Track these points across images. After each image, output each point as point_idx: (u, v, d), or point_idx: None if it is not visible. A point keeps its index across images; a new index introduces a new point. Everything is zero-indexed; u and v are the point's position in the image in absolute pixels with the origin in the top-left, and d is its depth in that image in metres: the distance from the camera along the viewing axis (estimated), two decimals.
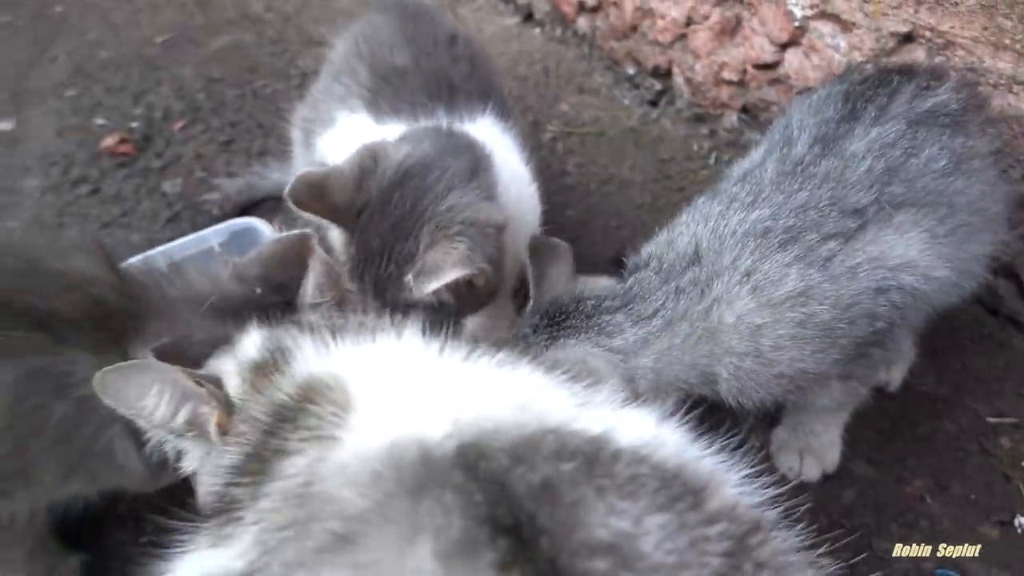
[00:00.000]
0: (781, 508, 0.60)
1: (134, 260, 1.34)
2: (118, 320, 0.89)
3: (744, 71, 1.70)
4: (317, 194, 1.06)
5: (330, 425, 0.55)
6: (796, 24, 1.54)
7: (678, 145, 1.84)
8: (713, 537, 0.44)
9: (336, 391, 0.59)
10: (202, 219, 1.73)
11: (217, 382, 0.71)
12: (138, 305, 0.91)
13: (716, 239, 0.99)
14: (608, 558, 0.41)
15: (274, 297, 0.92)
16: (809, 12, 1.51)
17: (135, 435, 0.91)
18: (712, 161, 1.78)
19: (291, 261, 0.92)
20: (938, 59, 1.33)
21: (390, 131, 1.22)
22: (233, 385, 0.71)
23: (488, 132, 1.22)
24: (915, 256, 0.95)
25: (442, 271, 0.96)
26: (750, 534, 0.47)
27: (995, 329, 1.33)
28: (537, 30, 2.34)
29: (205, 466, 0.77)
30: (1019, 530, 1.07)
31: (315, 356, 0.66)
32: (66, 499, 1.00)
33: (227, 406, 0.70)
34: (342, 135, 1.32)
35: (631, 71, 2.03)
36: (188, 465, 0.80)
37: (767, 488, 0.58)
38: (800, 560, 0.49)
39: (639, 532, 0.43)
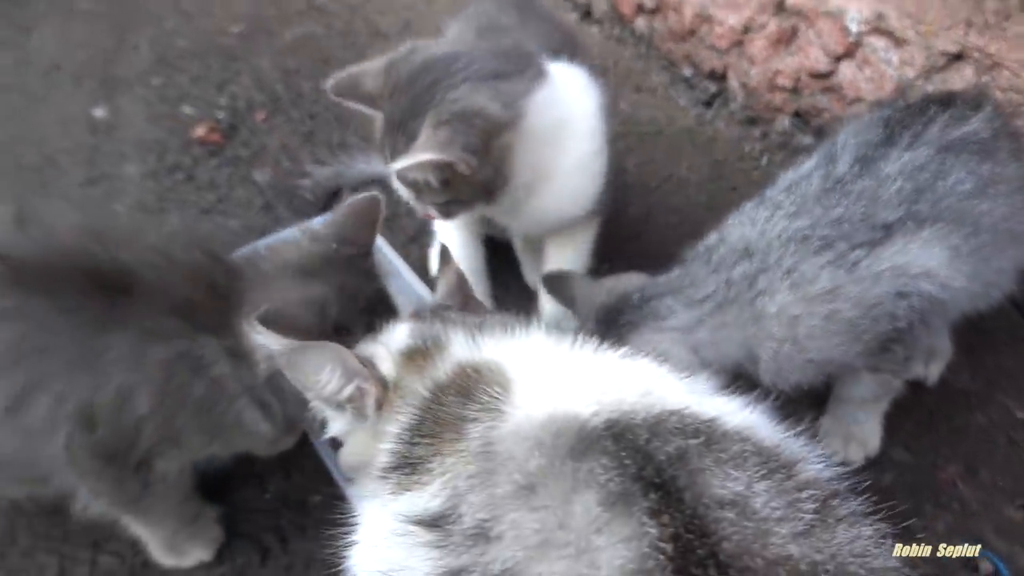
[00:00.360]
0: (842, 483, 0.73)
1: (245, 250, 1.50)
2: (231, 303, 1.04)
3: (798, 79, 1.81)
4: (353, 84, 1.20)
5: (497, 401, 0.70)
6: (851, 39, 1.65)
7: (731, 146, 1.96)
8: (804, 499, 0.59)
9: (496, 374, 0.74)
10: (298, 203, 1.88)
11: (372, 364, 0.86)
12: (241, 285, 1.05)
13: (763, 241, 1.14)
14: (732, 510, 0.56)
15: (349, 250, 1.07)
16: (864, 28, 1.61)
17: (262, 407, 1.06)
18: (764, 163, 1.90)
19: (362, 219, 1.07)
20: (984, 78, 1.43)
21: None
22: (385, 367, 0.86)
23: (566, 70, 1.25)
24: (935, 267, 1.08)
25: (416, 153, 1.05)
26: (831, 498, 0.61)
27: (1016, 321, 1.45)
28: (595, 28, 2.45)
29: (353, 434, 0.92)
30: None
31: (466, 346, 0.81)
32: (206, 459, 1.17)
33: (383, 385, 0.86)
34: None
35: (687, 72, 2.14)
36: (332, 431, 0.96)
37: (833, 467, 0.72)
38: (866, 519, 0.63)
39: (750, 494, 0.57)
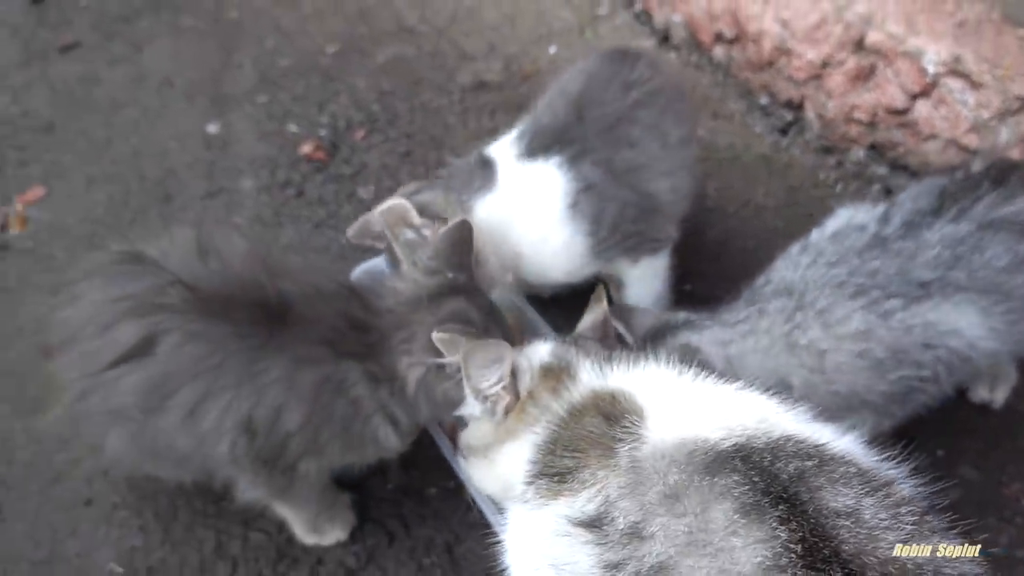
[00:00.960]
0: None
1: (363, 267, 1.68)
2: (369, 333, 1.20)
3: (875, 113, 1.91)
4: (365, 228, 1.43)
5: (635, 426, 0.85)
6: (928, 79, 1.75)
7: (807, 173, 2.07)
8: (904, 513, 0.72)
9: (629, 402, 0.89)
10: None
11: (516, 376, 1.02)
12: (378, 318, 1.21)
13: (803, 283, 1.27)
14: (848, 520, 0.69)
15: (461, 276, 1.22)
16: (941, 69, 1.71)
17: (393, 423, 1.22)
18: (838, 190, 2.00)
19: (460, 245, 1.23)
20: None
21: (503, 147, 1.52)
22: (524, 380, 1.02)
23: (538, 173, 1.44)
24: (964, 327, 1.21)
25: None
26: (926, 513, 0.74)
27: None
28: (673, 54, 2.58)
29: (480, 421, 1.09)
30: None
31: (594, 374, 0.96)
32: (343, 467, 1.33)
33: (516, 397, 1.02)
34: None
35: (764, 101, 2.26)
36: (466, 411, 1.13)
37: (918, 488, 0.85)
38: (951, 533, 0.76)
39: (859, 507, 0.71)
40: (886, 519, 0.70)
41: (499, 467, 1.05)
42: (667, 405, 0.87)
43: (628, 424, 0.85)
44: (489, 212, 1.40)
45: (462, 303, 1.17)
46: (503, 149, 1.50)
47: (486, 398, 1.03)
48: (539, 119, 1.53)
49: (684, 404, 0.88)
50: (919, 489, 0.82)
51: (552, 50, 2.72)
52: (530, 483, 0.91)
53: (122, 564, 1.39)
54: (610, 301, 1.27)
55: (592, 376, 0.97)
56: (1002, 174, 1.35)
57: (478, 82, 2.61)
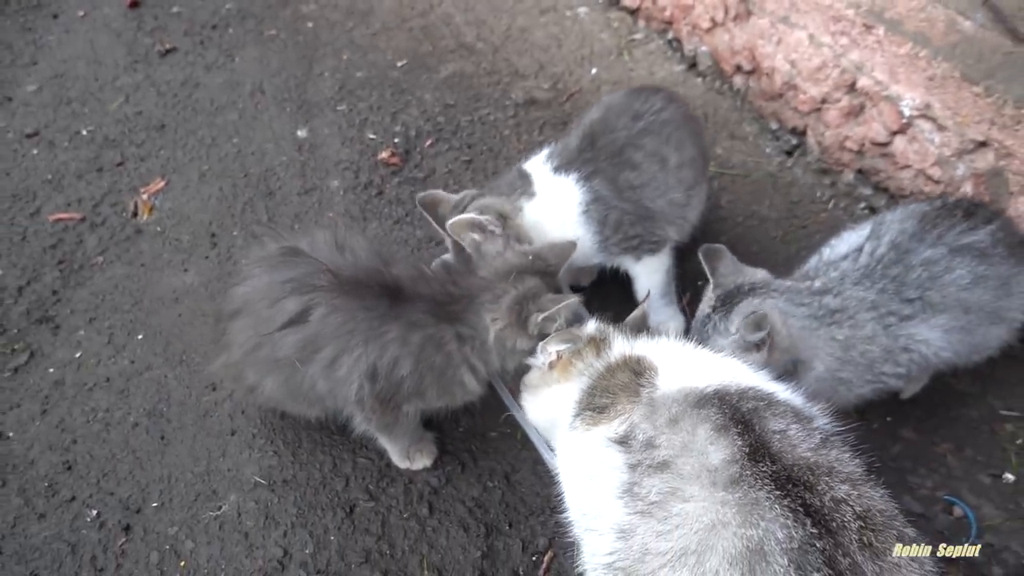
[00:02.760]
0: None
1: (440, 259, 2.11)
2: (459, 302, 1.62)
3: (863, 144, 2.30)
4: (432, 205, 1.82)
5: (652, 378, 1.27)
6: (904, 120, 2.13)
7: (806, 191, 2.46)
8: (816, 434, 1.13)
9: (647, 363, 1.31)
10: None
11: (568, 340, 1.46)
12: (468, 289, 1.63)
13: (840, 300, 1.64)
14: (779, 435, 1.10)
15: (541, 264, 1.63)
16: (915, 113, 2.10)
17: (474, 371, 1.65)
18: (831, 206, 2.39)
19: (559, 253, 1.65)
20: (1001, 163, 1.91)
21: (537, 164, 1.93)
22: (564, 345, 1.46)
23: (562, 185, 1.84)
24: (932, 338, 1.59)
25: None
26: (829, 436, 1.15)
27: (1020, 350, 1.93)
28: (699, 79, 2.97)
29: (535, 370, 1.51)
30: (1004, 481, 1.70)
31: (624, 344, 1.39)
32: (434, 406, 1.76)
33: (559, 358, 1.46)
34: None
35: (774, 126, 2.65)
36: (531, 361, 1.55)
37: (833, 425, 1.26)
38: (848, 450, 1.17)
39: (787, 429, 1.12)
40: (803, 437, 1.11)
41: (543, 401, 1.48)
42: (673, 365, 1.29)
43: (648, 376, 1.27)
44: (532, 213, 1.82)
45: (538, 283, 1.58)
46: (538, 164, 1.91)
47: (546, 357, 1.47)
48: (567, 142, 1.93)
49: (683, 365, 1.30)
50: (832, 425, 1.23)
51: (593, 71, 3.12)
52: (577, 414, 1.34)
53: (263, 478, 1.85)
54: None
55: (623, 345, 1.40)
56: (972, 208, 1.73)
57: (529, 99, 3.02)
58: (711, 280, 1.72)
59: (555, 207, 1.83)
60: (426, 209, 1.85)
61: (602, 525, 1.19)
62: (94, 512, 1.82)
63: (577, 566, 1.29)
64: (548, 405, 1.49)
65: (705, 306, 1.73)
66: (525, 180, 1.85)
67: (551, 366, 1.48)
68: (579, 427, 1.33)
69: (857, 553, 0.95)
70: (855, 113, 2.28)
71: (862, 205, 2.34)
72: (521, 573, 1.65)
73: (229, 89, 3.37)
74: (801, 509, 0.99)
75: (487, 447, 1.89)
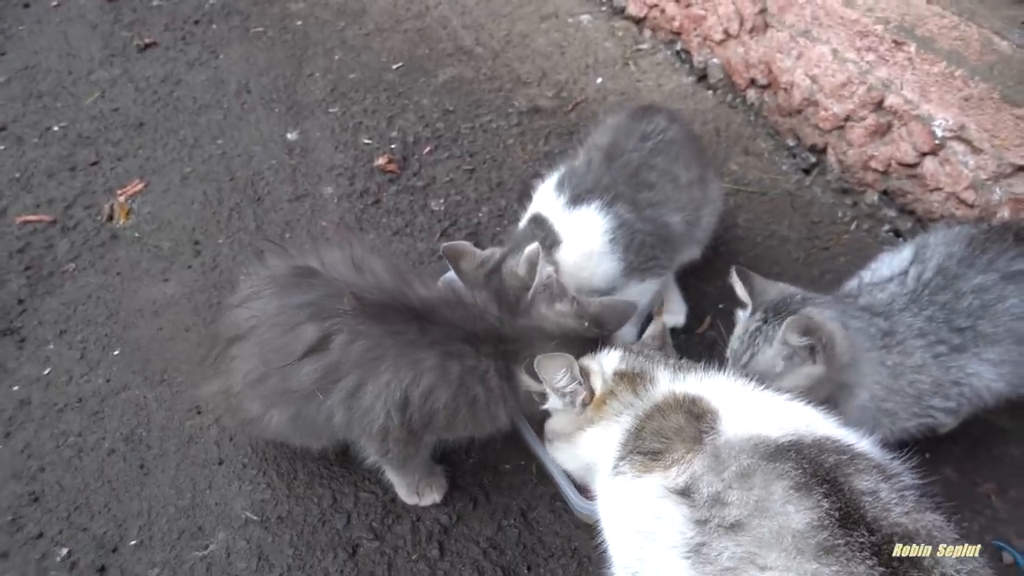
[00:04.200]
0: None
1: (445, 277, 1.97)
2: (505, 342, 1.48)
3: (889, 164, 2.21)
4: (456, 256, 1.69)
5: (712, 422, 1.14)
6: (936, 141, 2.05)
7: (826, 210, 2.37)
8: (908, 495, 1.01)
9: (703, 404, 1.18)
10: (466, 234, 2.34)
11: (588, 376, 1.31)
12: (520, 336, 1.49)
13: (889, 323, 1.53)
14: (870, 497, 0.98)
15: (595, 331, 1.50)
16: (948, 134, 2.01)
17: (507, 406, 1.51)
18: (853, 228, 2.30)
19: (616, 316, 1.51)
20: None
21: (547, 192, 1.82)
22: (596, 381, 1.31)
23: (582, 217, 1.73)
24: (984, 371, 1.49)
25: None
26: (922, 496, 1.04)
27: None
28: (710, 92, 2.87)
29: (561, 413, 1.36)
30: None
31: (672, 379, 1.26)
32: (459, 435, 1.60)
33: (591, 392, 1.31)
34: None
35: (791, 142, 2.56)
36: (550, 406, 1.40)
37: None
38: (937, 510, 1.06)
39: (877, 489, 1.00)
40: (895, 498, 1.00)
41: (581, 448, 1.34)
42: (736, 408, 1.17)
43: (709, 420, 1.14)
44: (564, 259, 1.71)
45: (577, 352, 1.42)
46: (550, 202, 1.79)
47: (564, 395, 1.32)
48: (578, 170, 1.81)
49: (748, 409, 1.17)
50: (917, 480, 1.11)
51: (599, 81, 3.01)
52: (623, 457, 1.20)
53: (255, 513, 1.68)
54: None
55: (670, 381, 1.27)
56: (1021, 230, 1.64)
57: (533, 107, 2.90)
58: (749, 298, 1.59)
59: (582, 245, 1.72)
60: (449, 260, 1.70)
61: None
62: (64, 551, 1.64)
63: None
64: (583, 451, 1.34)
65: (747, 324, 1.59)
66: (544, 227, 1.72)
67: (584, 404, 1.34)
68: (627, 472, 1.19)
69: None
70: (882, 132, 2.19)
71: (886, 227, 2.25)
72: None
73: (213, 87, 3.20)
74: None
75: (501, 481, 1.74)
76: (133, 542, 1.65)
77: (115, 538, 1.66)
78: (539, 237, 1.71)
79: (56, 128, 3.00)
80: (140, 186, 2.68)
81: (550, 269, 1.61)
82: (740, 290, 1.59)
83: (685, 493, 1.08)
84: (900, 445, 1.66)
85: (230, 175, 2.69)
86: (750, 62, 2.63)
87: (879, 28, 2.13)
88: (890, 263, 1.68)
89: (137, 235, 2.47)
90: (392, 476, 1.65)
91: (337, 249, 1.55)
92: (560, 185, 1.80)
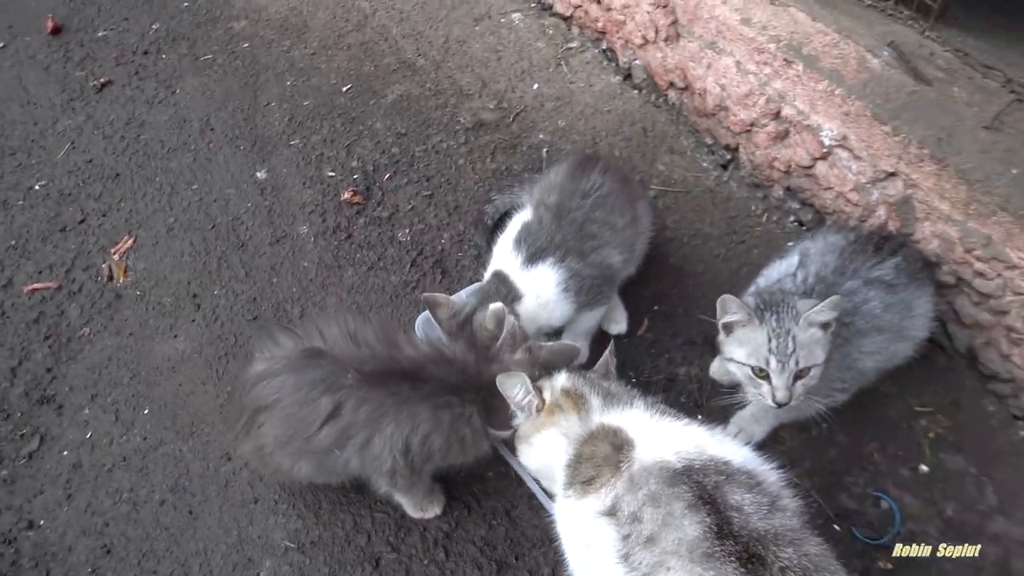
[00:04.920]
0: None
1: (422, 317, 2.30)
2: (482, 388, 1.83)
3: (789, 165, 2.54)
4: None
5: (628, 451, 1.52)
6: (824, 148, 2.38)
7: (742, 204, 2.71)
8: (764, 501, 1.40)
9: (622, 435, 1.56)
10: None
11: (539, 389, 1.69)
12: (490, 380, 1.84)
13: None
14: (736, 511, 1.37)
15: (545, 373, 1.87)
16: (833, 143, 2.35)
17: (486, 436, 1.88)
18: (764, 220, 2.65)
19: (564, 359, 1.88)
20: (908, 191, 2.18)
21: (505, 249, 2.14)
22: (546, 393, 1.69)
23: (538, 275, 2.06)
24: (862, 357, 1.88)
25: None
26: (776, 499, 1.42)
27: (929, 351, 2.26)
28: (636, 92, 3.14)
29: (525, 421, 1.74)
30: (920, 472, 2.05)
31: (601, 410, 1.64)
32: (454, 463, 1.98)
33: (542, 400, 1.69)
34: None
35: (709, 141, 2.87)
36: (517, 419, 1.78)
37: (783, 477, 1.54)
38: (794, 508, 1.45)
39: (743, 502, 1.39)
40: (756, 507, 1.39)
41: (537, 447, 1.71)
42: (645, 437, 1.54)
43: (626, 450, 1.52)
44: (524, 310, 2.05)
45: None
46: (508, 261, 2.11)
47: (523, 404, 1.70)
48: (531, 228, 2.12)
49: (654, 438, 1.54)
50: (781, 480, 1.51)
51: (535, 87, 3.26)
52: (569, 485, 1.59)
53: (292, 541, 2.07)
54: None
55: (600, 412, 1.64)
56: (880, 242, 2.00)
57: (477, 122, 3.15)
58: (744, 312, 1.81)
59: (539, 296, 2.05)
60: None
61: None
62: None
63: None
64: (541, 451, 1.72)
65: (767, 331, 1.78)
66: (506, 284, 2.05)
67: (538, 410, 1.72)
68: (572, 496, 1.58)
69: None
70: (781, 137, 2.51)
71: (791, 219, 2.61)
72: None
73: (176, 128, 3.40)
74: None
75: (487, 488, 2.14)
76: None
77: None
78: (502, 293, 2.05)
79: (37, 187, 3.21)
80: (130, 242, 2.93)
81: (512, 320, 1.95)
82: (733, 313, 1.81)
83: (611, 513, 1.47)
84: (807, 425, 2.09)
85: (211, 222, 2.95)
86: (668, 67, 2.91)
87: (772, 46, 2.42)
88: (778, 268, 2.05)
89: (139, 293, 2.75)
90: (400, 499, 2.04)
91: (335, 324, 1.87)
92: (518, 243, 2.12)
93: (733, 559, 1.30)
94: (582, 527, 1.54)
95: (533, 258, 2.06)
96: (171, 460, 2.28)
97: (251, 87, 3.51)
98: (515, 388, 1.68)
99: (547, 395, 1.71)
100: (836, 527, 1.99)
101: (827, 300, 1.70)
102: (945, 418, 2.16)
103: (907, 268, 1.93)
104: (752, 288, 2.06)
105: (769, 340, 1.72)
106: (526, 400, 1.69)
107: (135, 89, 3.63)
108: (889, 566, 1.91)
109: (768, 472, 1.52)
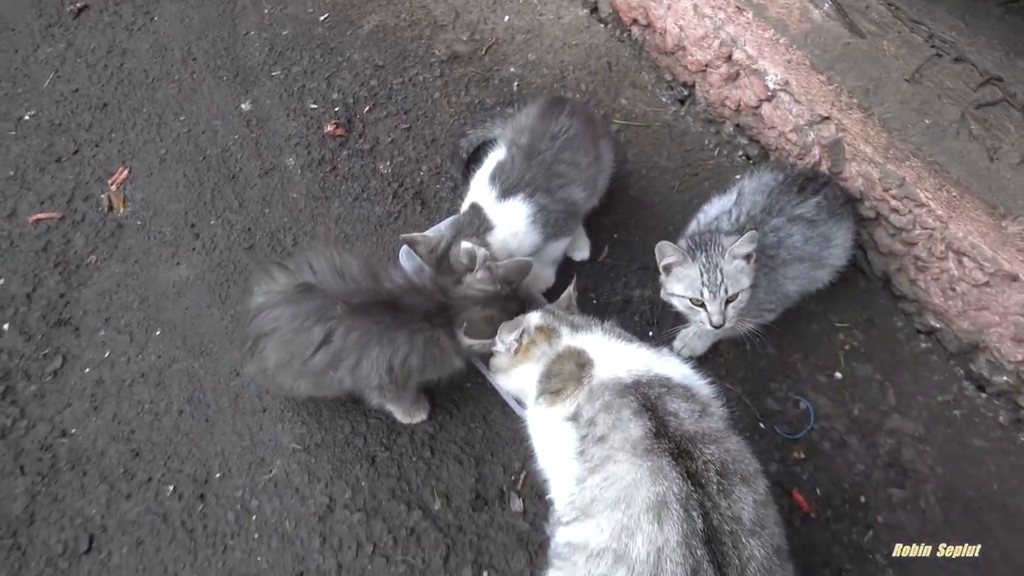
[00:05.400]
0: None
1: (404, 250, 2.57)
2: (448, 312, 2.13)
3: (739, 104, 2.78)
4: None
5: (589, 369, 1.83)
6: (769, 91, 2.62)
7: (696, 139, 2.96)
8: (696, 408, 1.73)
9: (585, 354, 1.87)
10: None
11: (524, 334, 2.00)
12: (455, 306, 2.13)
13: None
14: (674, 416, 1.70)
15: (507, 288, 2.17)
16: (777, 87, 2.58)
17: (459, 355, 2.20)
18: (716, 154, 2.91)
19: (519, 274, 2.16)
20: (840, 134, 2.45)
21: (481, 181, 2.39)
22: (524, 335, 2.00)
23: (510, 208, 2.32)
24: (786, 283, 2.19)
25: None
26: (706, 407, 1.77)
27: (852, 275, 2.59)
28: (602, 26, 3.31)
29: (502, 354, 2.06)
30: (835, 378, 2.42)
31: (569, 336, 1.95)
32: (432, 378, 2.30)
33: (521, 343, 2.01)
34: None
35: (668, 77, 3.08)
36: (496, 351, 2.10)
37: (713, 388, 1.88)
38: (721, 415, 1.80)
39: (679, 410, 1.72)
40: (688, 413, 1.72)
41: (514, 378, 2.05)
42: (603, 358, 1.86)
43: (587, 369, 1.84)
44: (496, 239, 2.31)
45: (497, 309, 2.09)
46: (483, 194, 2.35)
47: (509, 345, 2.02)
48: (505, 166, 2.36)
49: (610, 358, 1.86)
50: (712, 392, 1.84)
51: (506, 19, 3.40)
52: (540, 394, 1.91)
53: (299, 444, 2.40)
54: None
55: (568, 337, 1.95)
56: (803, 183, 2.29)
57: (452, 54, 3.31)
58: (679, 254, 2.10)
59: (511, 227, 2.30)
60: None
61: (564, 475, 1.81)
62: (171, 488, 2.36)
63: (547, 494, 1.93)
64: (516, 380, 2.05)
65: (699, 268, 2.08)
66: (480, 215, 2.29)
67: (515, 352, 2.04)
68: (542, 404, 1.91)
69: (716, 496, 1.60)
70: (732, 79, 2.74)
71: (740, 153, 2.87)
72: (504, 489, 2.30)
73: (159, 56, 3.50)
74: (686, 473, 1.62)
75: (466, 396, 2.47)
76: (218, 475, 2.37)
77: (204, 474, 2.38)
78: (476, 224, 2.31)
79: (27, 117, 3.34)
80: (125, 173, 3.11)
81: (484, 252, 2.23)
82: (670, 256, 2.11)
83: (574, 418, 1.80)
84: (742, 341, 2.43)
85: (201, 154, 3.13)
86: (631, 4, 3.07)
87: None
88: (717, 204, 2.34)
89: (139, 223, 2.96)
90: (391, 407, 2.37)
91: (323, 260, 2.13)
92: (492, 179, 2.36)
93: (667, 454, 1.64)
94: (550, 429, 1.87)
95: (506, 193, 2.31)
96: (185, 376, 2.57)
97: (229, 15, 3.59)
98: (512, 335, 1.96)
99: (525, 336, 2.00)
100: (762, 425, 2.36)
101: (745, 235, 1.99)
102: (860, 332, 2.51)
103: (827, 206, 2.22)
104: (693, 225, 2.35)
105: (702, 275, 2.02)
106: (512, 343, 1.98)
107: (112, 15, 3.68)
108: (802, 455, 2.29)
109: (702, 386, 1.85)
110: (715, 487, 1.60)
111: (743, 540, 1.55)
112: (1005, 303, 2.15)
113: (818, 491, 2.23)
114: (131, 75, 3.43)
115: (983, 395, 2.35)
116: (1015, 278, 2.09)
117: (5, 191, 3.09)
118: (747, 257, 2.03)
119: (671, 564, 1.50)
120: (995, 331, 2.24)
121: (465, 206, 2.42)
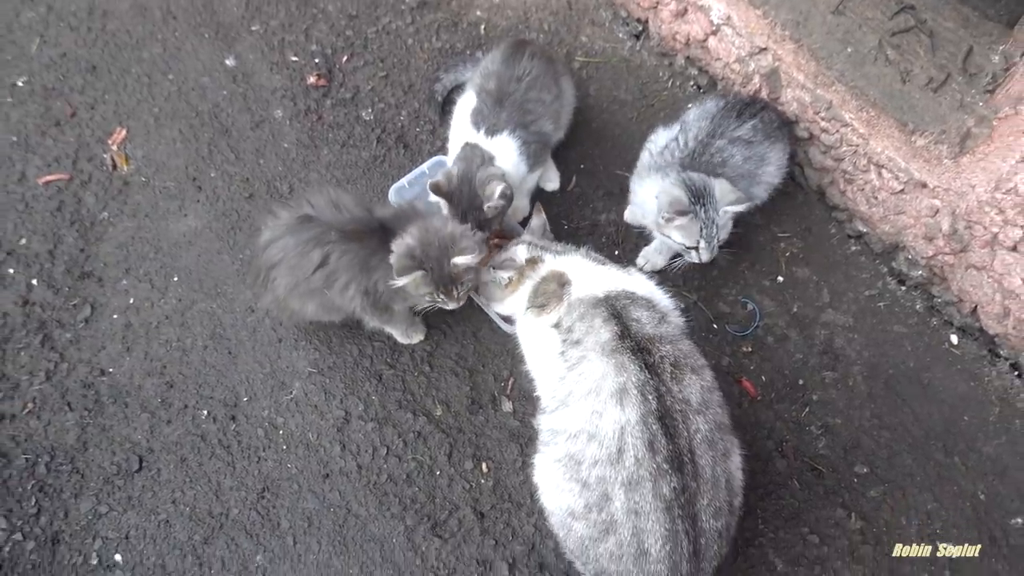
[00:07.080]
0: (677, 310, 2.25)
1: (394, 186, 2.85)
2: (384, 236, 2.43)
3: (688, 38, 3.04)
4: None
5: (568, 288, 2.17)
6: (713, 26, 2.88)
7: (651, 72, 3.22)
8: (650, 315, 2.09)
9: (566, 276, 2.20)
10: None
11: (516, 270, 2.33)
12: (392, 228, 2.42)
13: (687, 175, 2.51)
14: (636, 321, 2.04)
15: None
16: (721, 21, 2.84)
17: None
18: (670, 86, 3.18)
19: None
20: (776, 64, 2.73)
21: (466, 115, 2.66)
22: (514, 275, 2.34)
23: (501, 142, 2.59)
24: (726, 192, 2.51)
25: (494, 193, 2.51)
26: (665, 316, 2.11)
27: (792, 190, 2.92)
28: None
29: (495, 284, 2.40)
30: (777, 282, 2.78)
31: (552, 262, 2.27)
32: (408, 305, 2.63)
33: (511, 279, 2.34)
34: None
35: (623, 14, 3.31)
36: (492, 281, 2.44)
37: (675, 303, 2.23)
38: (679, 320, 2.15)
39: (640, 317, 2.06)
40: (648, 320, 2.07)
41: (506, 305, 2.39)
42: (580, 278, 2.19)
43: (567, 287, 2.18)
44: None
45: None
46: (473, 134, 2.61)
47: (504, 278, 2.34)
48: (482, 111, 2.63)
49: (586, 277, 2.20)
50: (671, 303, 2.19)
51: None
52: (529, 307, 2.25)
53: (314, 368, 2.74)
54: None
55: (551, 262, 2.29)
56: (741, 109, 2.59)
57: (421, 1, 3.50)
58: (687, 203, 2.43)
59: (507, 159, 2.59)
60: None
61: (548, 373, 2.18)
62: (205, 412, 2.70)
63: (534, 392, 2.29)
64: (508, 306, 2.40)
65: (701, 219, 2.42)
66: (479, 152, 2.57)
67: (507, 287, 2.36)
68: (530, 315, 2.26)
69: (669, 382, 1.97)
70: (681, 14, 2.99)
71: (692, 83, 3.15)
72: (496, 394, 2.67)
73: (140, 16, 3.65)
74: (644, 364, 1.98)
75: (457, 317, 2.81)
76: (245, 399, 2.72)
77: (232, 399, 2.72)
78: (478, 156, 2.59)
79: (20, 83, 3.50)
80: (123, 133, 3.32)
81: (504, 186, 2.51)
82: (683, 216, 2.45)
83: (556, 325, 2.15)
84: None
85: (194, 111, 3.35)
86: None
87: None
88: (664, 135, 2.64)
89: (144, 179, 3.20)
90: (389, 330, 2.70)
91: (321, 195, 2.41)
92: (476, 123, 2.63)
93: (629, 351, 1.99)
94: (537, 334, 2.22)
95: (492, 132, 2.59)
96: (205, 315, 2.87)
97: None
98: (508, 273, 2.28)
99: (514, 276, 2.32)
100: (715, 326, 2.73)
101: (739, 201, 2.33)
102: (799, 240, 2.86)
103: (763, 128, 2.53)
104: (645, 156, 2.65)
105: (701, 229, 2.38)
106: (508, 278, 2.30)
107: None
108: (749, 349, 2.68)
109: (663, 299, 2.19)
110: (668, 375, 1.96)
111: (691, 417, 1.91)
112: (917, 207, 2.50)
113: (763, 378, 2.61)
114: (115, 36, 3.58)
115: (903, 288, 2.73)
116: (924, 185, 2.43)
117: (12, 156, 3.29)
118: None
119: (632, 437, 1.86)
120: (910, 232, 2.59)
121: (452, 147, 2.70)
